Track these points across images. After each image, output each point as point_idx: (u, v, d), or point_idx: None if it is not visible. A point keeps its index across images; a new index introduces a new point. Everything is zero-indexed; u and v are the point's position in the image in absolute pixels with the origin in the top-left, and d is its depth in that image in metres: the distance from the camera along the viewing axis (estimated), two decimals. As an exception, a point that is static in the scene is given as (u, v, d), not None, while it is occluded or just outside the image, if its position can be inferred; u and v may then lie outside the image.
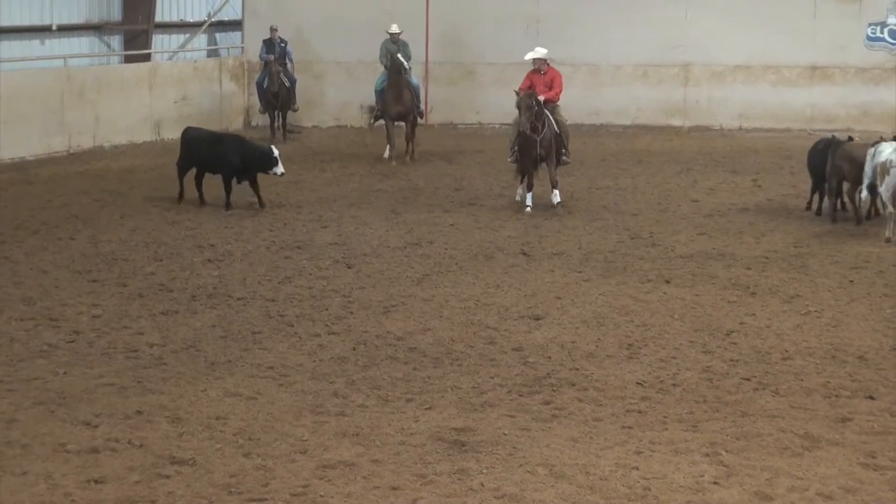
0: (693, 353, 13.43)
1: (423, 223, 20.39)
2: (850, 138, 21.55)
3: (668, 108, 32.71)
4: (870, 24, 32.74)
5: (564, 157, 21.85)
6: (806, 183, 21.92)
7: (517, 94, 21.32)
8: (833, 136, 21.68)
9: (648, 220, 20.83)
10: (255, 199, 21.41)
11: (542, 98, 21.30)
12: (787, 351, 13.48)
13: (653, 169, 25.82)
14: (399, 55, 27.12)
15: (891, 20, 32.76)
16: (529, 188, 21.58)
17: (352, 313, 14.98)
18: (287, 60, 30.59)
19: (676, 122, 32.70)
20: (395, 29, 27.77)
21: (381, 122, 27.77)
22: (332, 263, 17.61)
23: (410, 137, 27.25)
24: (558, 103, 21.82)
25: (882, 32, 32.84)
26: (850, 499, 9.57)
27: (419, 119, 27.97)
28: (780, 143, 30.61)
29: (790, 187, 23.88)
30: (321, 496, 9.59)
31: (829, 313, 15.06)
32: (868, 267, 17.50)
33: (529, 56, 22.04)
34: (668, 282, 16.63)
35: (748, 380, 12.50)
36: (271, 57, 30.09)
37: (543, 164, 21.67)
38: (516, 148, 21.50)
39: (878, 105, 32.50)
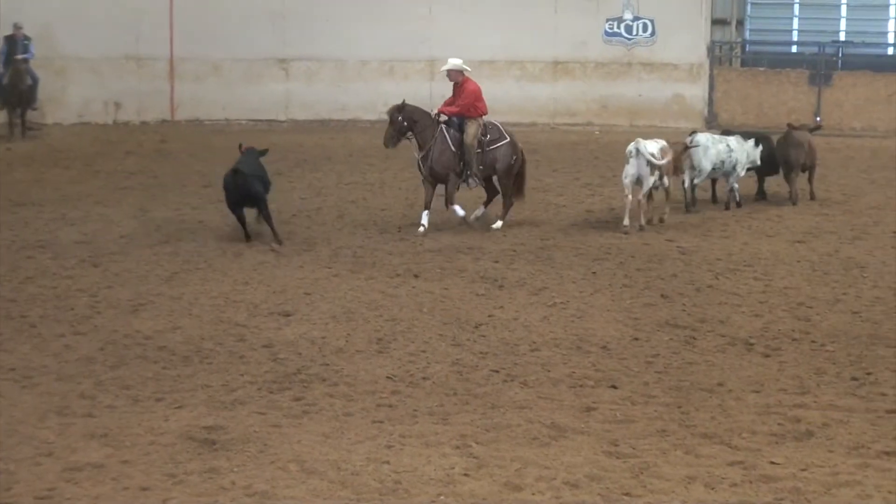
0: (442, 346, 13.56)
1: (171, 221, 20.16)
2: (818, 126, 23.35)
3: (416, 102, 32.75)
4: (607, 20, 33.68)
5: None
6: (550, 177, 22.25)
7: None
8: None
9: (396, 214, 20.98)
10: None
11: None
12: (534, 342, 13.72)
13: (400, 164, 25.93)
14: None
15: (626, 15, 33.70)
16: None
17: (99, 313, 14.72)
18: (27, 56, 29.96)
19: (425, 117, 32.94)
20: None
21: None
22: (78, 262, 17.27)
23: None
24: (479, 118, 20.21)
25: (619, 28, 33.78)
26: (594, 486, 9.78)
27: None
28: (526, 137, 30.88)
29: (536, 181, 24.31)
30: (68, 499, 9.40)
31: (574, 304, 15.39)
32: (609, 258, 17.94)
33: (443, 69, 20.79)
34: (416, 276, 16.77)
35: (497, 372, 12.68)
36: (19, 57, 29.41)
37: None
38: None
39: (615, 99, 33.50)
